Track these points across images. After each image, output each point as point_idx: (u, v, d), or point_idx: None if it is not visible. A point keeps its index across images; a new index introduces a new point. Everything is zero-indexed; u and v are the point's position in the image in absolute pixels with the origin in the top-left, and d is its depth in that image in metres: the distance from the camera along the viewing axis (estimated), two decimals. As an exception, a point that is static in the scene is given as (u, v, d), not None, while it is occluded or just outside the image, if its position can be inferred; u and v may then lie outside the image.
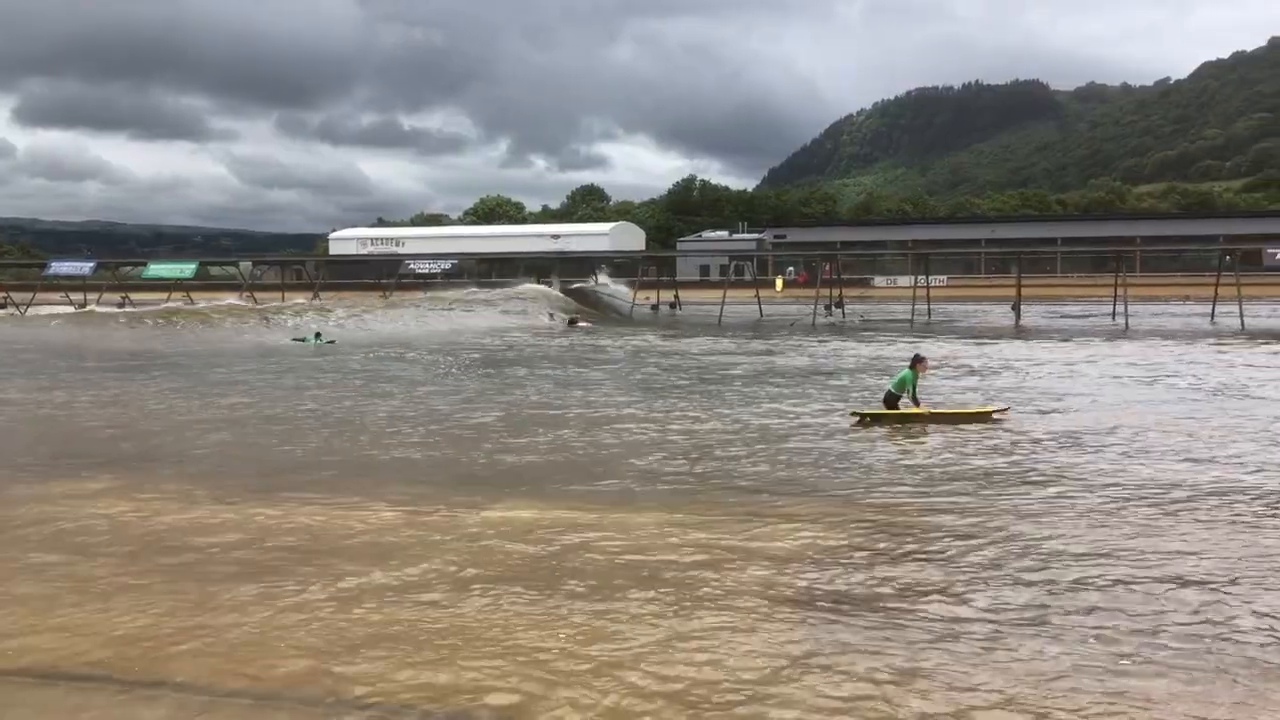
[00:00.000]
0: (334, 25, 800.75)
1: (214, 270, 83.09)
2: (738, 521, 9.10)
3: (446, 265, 57.39)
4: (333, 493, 10.63)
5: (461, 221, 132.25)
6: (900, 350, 28.01)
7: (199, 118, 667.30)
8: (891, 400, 15.61)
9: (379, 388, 21.26)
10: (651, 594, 6.99)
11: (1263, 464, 11.65)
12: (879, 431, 14.57)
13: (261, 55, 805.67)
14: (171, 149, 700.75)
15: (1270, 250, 46.77)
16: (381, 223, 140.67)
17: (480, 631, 6.35)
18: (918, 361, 15.90)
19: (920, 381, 15.80)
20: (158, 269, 61.59)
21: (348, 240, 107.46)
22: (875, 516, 9.31)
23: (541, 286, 58.58)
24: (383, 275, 66.73)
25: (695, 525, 8.95)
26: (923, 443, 13.76)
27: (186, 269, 61.07)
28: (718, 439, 14.06)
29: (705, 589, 7.10)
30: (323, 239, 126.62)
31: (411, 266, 58.71)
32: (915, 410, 15.30)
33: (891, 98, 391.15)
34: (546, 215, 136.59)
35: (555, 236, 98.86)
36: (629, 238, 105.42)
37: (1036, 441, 13.44)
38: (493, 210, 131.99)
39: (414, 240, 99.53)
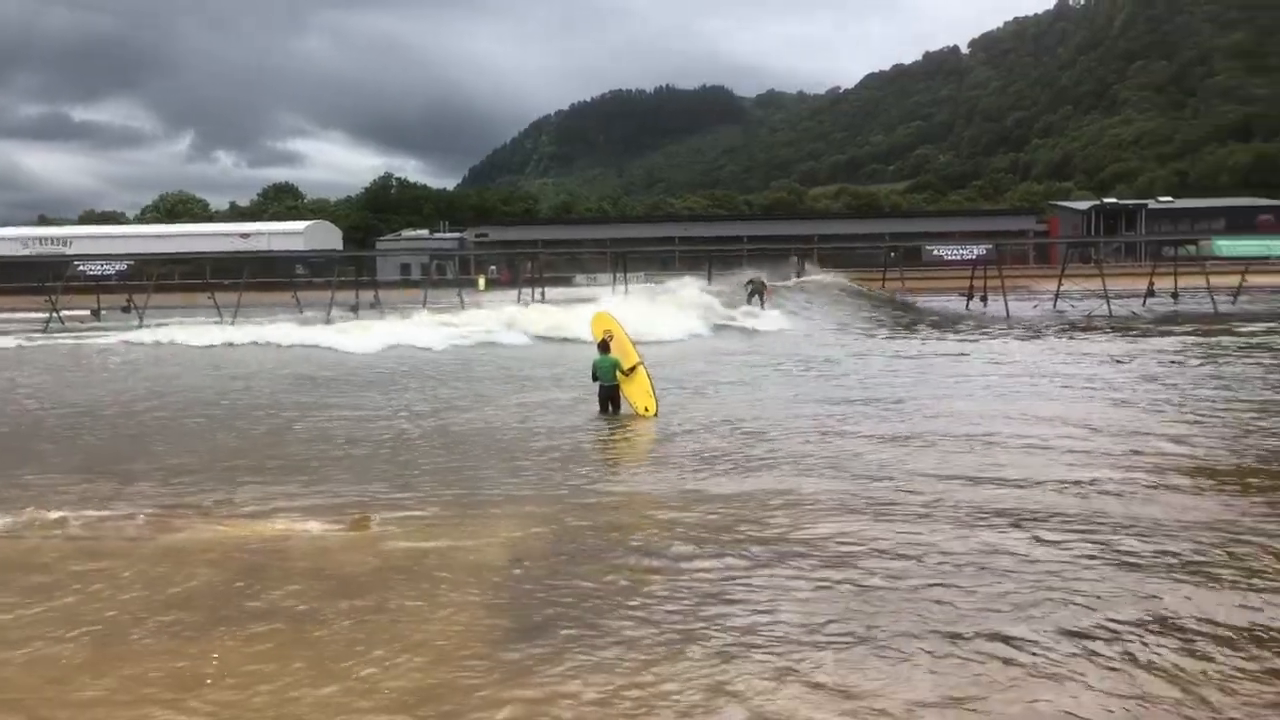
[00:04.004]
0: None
1: None
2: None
3: (121, 267, 53.14)
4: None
5: (140, 220, 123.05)
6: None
7: None
8: (612, 391, 15.13)
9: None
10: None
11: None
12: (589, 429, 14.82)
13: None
14: None
15: (929, 247, 51.69)
16: (44, 221, 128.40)
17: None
18: (606, 345, 15.27)
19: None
20: None
21: (6, 240, 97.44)
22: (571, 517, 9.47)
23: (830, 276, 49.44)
24: (48, 278, 60.96)
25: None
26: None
27: None
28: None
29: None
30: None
31: (81, 268, 53.98)
32: (637, 369, 15.09)
33: (588, 99, 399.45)
34: (235, 213, 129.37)
35: (245, 235, 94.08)
36: (326, 236, 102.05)
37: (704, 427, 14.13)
38: (174, 208, 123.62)
39: (83, 240, 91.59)
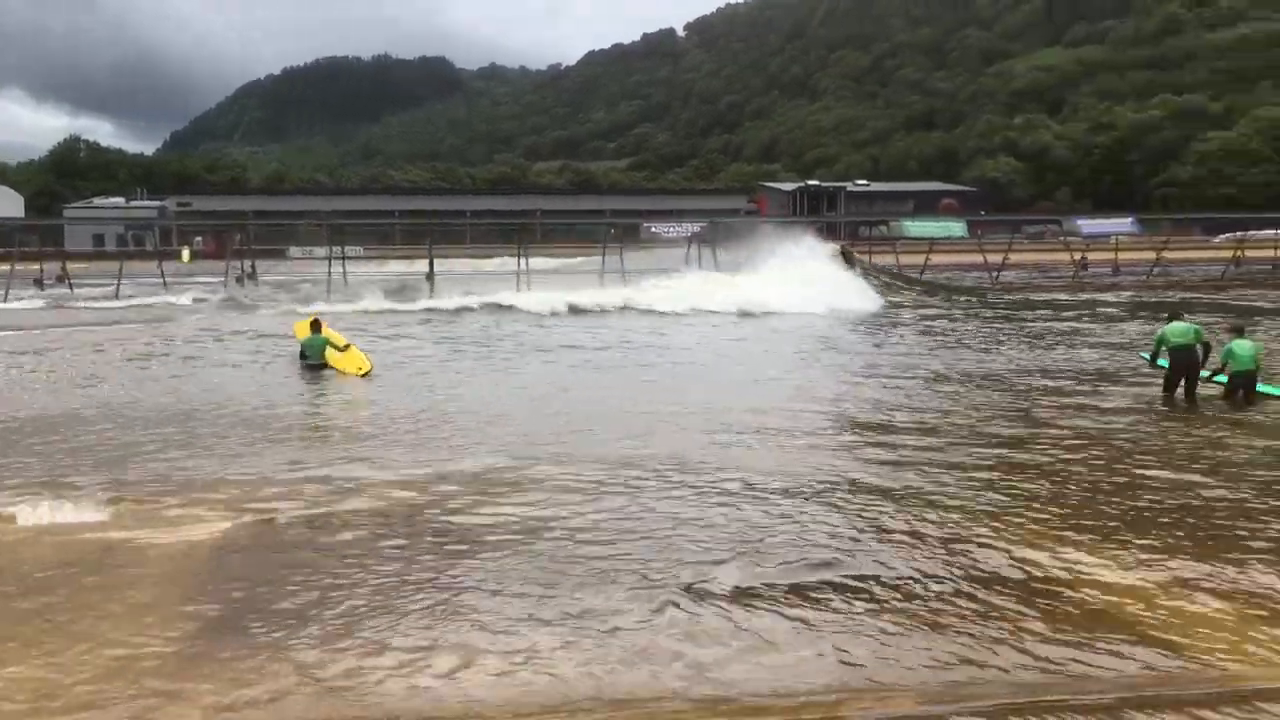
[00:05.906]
0: None
1: None
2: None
3: None
4: None
5: None
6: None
7: None
8: (319, 368, 16.96)
9: None
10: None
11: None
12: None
13: None
14: None
15: (645, 225, 53.29)
16: None
17: None
18: (318, 325, 17.56)
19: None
20: None
21: None
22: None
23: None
24: None
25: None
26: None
27: None
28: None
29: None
30: None
31: None
32: (350, 348, 17.36)
33: (300, 64, 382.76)
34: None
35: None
36: (4, 203, 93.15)
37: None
38: None
39: None
